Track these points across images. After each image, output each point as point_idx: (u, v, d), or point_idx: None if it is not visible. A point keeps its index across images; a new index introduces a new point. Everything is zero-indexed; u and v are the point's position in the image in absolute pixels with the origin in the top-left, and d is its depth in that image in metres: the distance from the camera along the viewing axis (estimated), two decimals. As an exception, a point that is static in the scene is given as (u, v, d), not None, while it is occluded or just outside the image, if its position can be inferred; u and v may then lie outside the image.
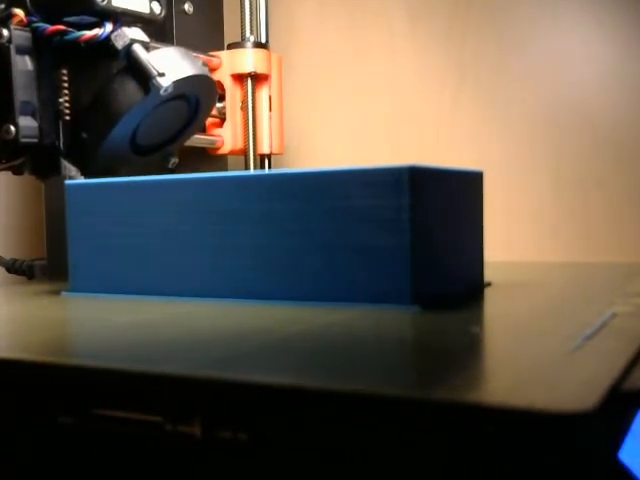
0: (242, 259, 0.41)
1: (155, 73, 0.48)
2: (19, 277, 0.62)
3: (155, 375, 0.25)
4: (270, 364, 0.27)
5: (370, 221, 0.38)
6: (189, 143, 0.63)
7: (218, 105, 0.69)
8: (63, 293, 0.46)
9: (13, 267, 0.61)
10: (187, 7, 0.67)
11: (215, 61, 0.69)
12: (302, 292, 0.39)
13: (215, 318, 0.37)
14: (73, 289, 0.46)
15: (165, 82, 0.49)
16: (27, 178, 0.77)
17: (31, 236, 0.77)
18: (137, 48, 0.49)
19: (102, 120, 0.50)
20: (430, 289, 0.38)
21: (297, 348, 0.29)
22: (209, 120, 0.69)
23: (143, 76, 0.49)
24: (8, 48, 0.48)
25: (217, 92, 0.60)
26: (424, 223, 0.38)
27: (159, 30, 0.57)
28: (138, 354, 0.29)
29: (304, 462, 0.22)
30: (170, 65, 0.50)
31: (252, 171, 0.68)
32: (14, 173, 0.54)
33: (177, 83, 0.50)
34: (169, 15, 0.64)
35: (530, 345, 0.28)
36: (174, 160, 0.57)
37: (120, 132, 0.50)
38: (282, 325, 0.34)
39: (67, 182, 0.47)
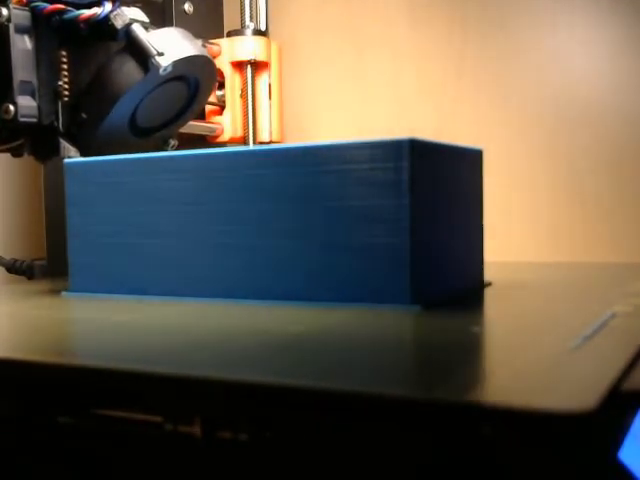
0: (241, 259, 0.41)
1: (154, 52, 0.48)
2: (19, 277, 0.62)
3: (155, 375, 0.25)
4: (270, 364, 0.27)
5: (369, 205, 0.38)
6: (189, 130, 0.63)
7: (218, 93, 0.70)
8: (63, 293, 0.46)
9: (13, 267, 0.61)
10: (187, 7, 0.67)
11: (215, 48, 0.69)
12: (302, 292, 0.39)
13: (215, 318, 0.37)
14: (73, 289, 0.46)
15: (164, 61, 0.49)
16: (27, 178, 0.77)
17: (31, 236, 0.77)
18: (136, 28, 0.49)
19: (101, 100, 0.49)
20: (430, 289, 0.38)
21: (296, 348, 0.29)
22: (209, 108, 0.69)
23: (142, 55, 0.48)
24: (7, 27, 0.47)
25: (217, 74, 0.60)
26: (424, 204, 0.38)
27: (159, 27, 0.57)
28: (138, 354, 0.29)
29: (304, 462, 0.22)
30: (170, 45, 0.50)
31: (251, 146, 0.68)
32: (13, 155, 0.53)
33: (177, 63, 0.50)
34: (169, 16, 0.64)
35: (530, 345, 0.28)
36: (173, 143, 0.57)
37: (119, 112, 0.50)
38: (281, 325, 0.34)
39: (66, 160, 0.47)
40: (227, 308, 0.39)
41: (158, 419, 0.24)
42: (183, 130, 0.60)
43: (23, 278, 0.61)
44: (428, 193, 0.39)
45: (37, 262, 0.61)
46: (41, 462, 0.27)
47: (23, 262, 0.61)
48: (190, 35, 0.53)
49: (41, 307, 0.43)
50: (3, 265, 0.61)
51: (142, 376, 0.25)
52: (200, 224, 0.42)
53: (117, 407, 0.25)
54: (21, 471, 0.28)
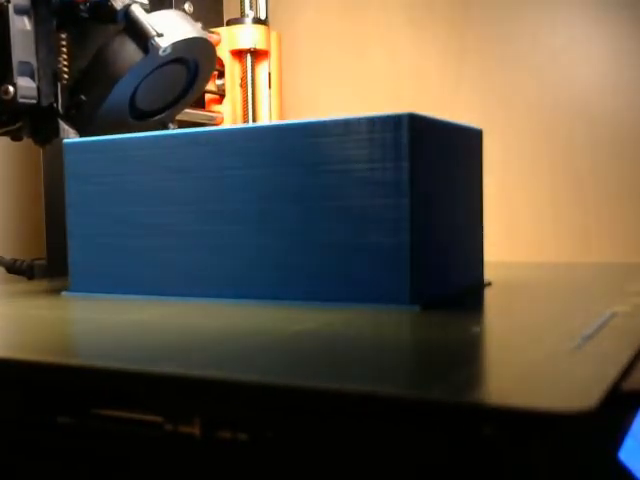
0: (241, 259, 0.41)
1: (154, 33, 0.48)
2: (19, 277, 0.62)
3: (155, 375, 0.25)
4: (270, 364, 0.27)
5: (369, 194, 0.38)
6: (188, 118, 0.63)
7: (217, 82, 0.70)
8: (63, 293, 0.46)
9: (13, 267, 0.61)
10: (187, 7, 0.67)
11: (214, 37, 0.69)
12: (301, 292, 0.39)
13: (215, 318, 0.37)
14: (73, 289, 0.46)
15: (164, 43, 0.48)
16: (27, 178, 0.77)
17: (31, 236, 0.77)
18: (135, 9, 0.49)
19: (101, 81, 0.49)
20: (430, 289, 0.38)
21: (297, 348, 0.29)
22: (208, 96, 0.69)
23: (142, 37, 0.48)
24: (7, 8, 0.47)
25: (216, 57, 0.59)
26: (424, 203, 0.38)
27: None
28: (138, 354, 0.29)
29: (304, 462, 0.22)
30: (169, 27, 0.49)
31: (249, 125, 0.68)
32: (13, 139, 0.53)
33: (176, 45, 0.49)
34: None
35: (530, 345, 0.28)
36: (172, 127, 0.57)
37: (119, 94, 0.50)
38: (281, 325, 0.34)
39: (65, 141, 0.46)
40: (227, 308, 0.39)
41: (158, 419, 0.24)
42: (183, 118, 0.60)
43: (23, 278, 0.61)
44: (428, 191, 0.39)
45: (37, 262, 0.61)
46: (41, 462, 0.27)
47: (23, 262, 0.61)
48: (190, 18, 0.53)
49: (41, 307, 0.43)
50: (3, 265, 0.62)
51: (142, 376, 0.25)
52: (200, 224, 0.42)
53: (117, 407, 0.25)
54: (21, 471, 0.28)
